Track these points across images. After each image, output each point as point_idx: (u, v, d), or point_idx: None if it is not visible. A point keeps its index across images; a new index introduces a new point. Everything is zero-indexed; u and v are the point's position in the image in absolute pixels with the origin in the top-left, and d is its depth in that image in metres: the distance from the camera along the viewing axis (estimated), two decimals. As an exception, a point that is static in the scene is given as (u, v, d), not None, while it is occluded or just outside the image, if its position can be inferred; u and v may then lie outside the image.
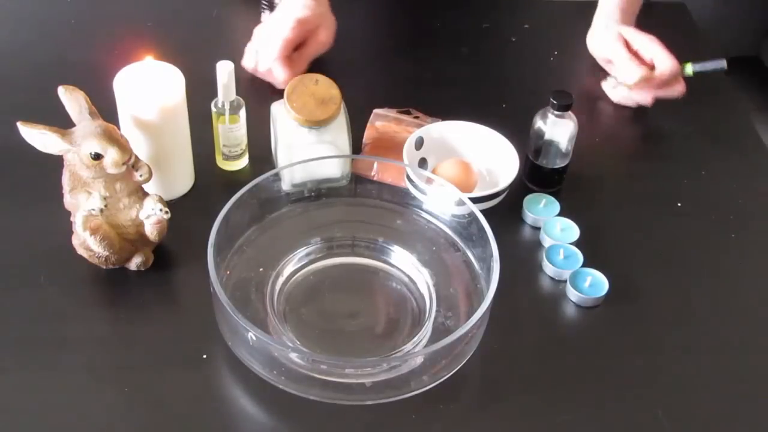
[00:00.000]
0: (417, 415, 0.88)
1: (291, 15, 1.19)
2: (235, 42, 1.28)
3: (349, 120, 1.08)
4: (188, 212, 1.04)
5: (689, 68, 1.15)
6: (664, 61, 1.16)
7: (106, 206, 0.94)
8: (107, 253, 0.95)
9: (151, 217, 0.96)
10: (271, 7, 1.27)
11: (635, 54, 1.19)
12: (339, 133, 1.06)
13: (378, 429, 0.88)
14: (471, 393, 0.92)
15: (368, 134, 1.14)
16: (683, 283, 1.03)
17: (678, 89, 1.17)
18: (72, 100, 0.94)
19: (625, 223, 1.10)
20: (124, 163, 0.92)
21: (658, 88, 1.16)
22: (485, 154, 1.11)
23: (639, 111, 1.23)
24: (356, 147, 1.11)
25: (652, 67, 1.17)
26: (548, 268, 1.02)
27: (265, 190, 1.00)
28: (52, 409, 0.88)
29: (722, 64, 1.14)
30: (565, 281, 1.00)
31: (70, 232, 0.97)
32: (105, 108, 0.97)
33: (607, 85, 1.22)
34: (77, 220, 0.94)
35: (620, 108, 1.23)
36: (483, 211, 0.97)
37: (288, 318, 0.95)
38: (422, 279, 1.00)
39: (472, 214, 0.98)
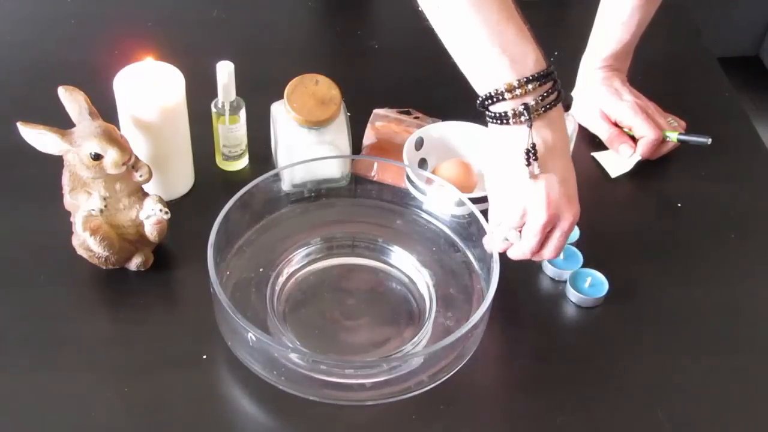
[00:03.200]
0: (417, 415, 0.88)
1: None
2: (235, 42, 1.28)
3: (349, 120, 1.08)
4: (188, 212, 1.04)
5: (673, 135, 1.14)
6: (643, 130, 1.13)
7: (106, 206, 0.94)
8: (107, 254, 0.95)
9: (151, 217, 0.96)
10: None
11: (618, 124, 1.16)
12: (339, 134, 1.06)
13: (378, 429, 0.88)
14: (471, 393, 0.92)
15: (368, 134, 1.14)
16: (683, 284, 1.03)
17: (664, 150, 1.15)
18: (72, 100, 0.94)
19: (625, 223, 1.10)
20: (124, 164, 0.92)
21: (645, 155, 1.14)
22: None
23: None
24: (356, 147, 1.11)
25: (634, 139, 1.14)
26: (548, 269, 1.01)
27: (265, 190, 1.00)
28: (53, 409, 0.88)
29: (707, 140, 1.13)
30: (565, 281, 1.00)
31: (70, 232, 0.97)
32: (105, 108, 0.97)
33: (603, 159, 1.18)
34: (77, 221, 0.94)
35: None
36: (483, 212, 0.97)
37: (288, 318, 0.95)
38: (422, 279, 1.00)
39: (472, 215, 0.98)
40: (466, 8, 0.85)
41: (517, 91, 0.85)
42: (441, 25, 0.88)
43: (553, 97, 0.87)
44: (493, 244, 0.93)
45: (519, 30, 0.86)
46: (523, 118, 0.86)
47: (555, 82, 0.87)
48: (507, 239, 0.93)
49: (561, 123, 0.89)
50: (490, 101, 0.87)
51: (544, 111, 0.87)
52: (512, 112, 0.86)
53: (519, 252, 0.93)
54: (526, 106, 0.86)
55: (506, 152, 0.88)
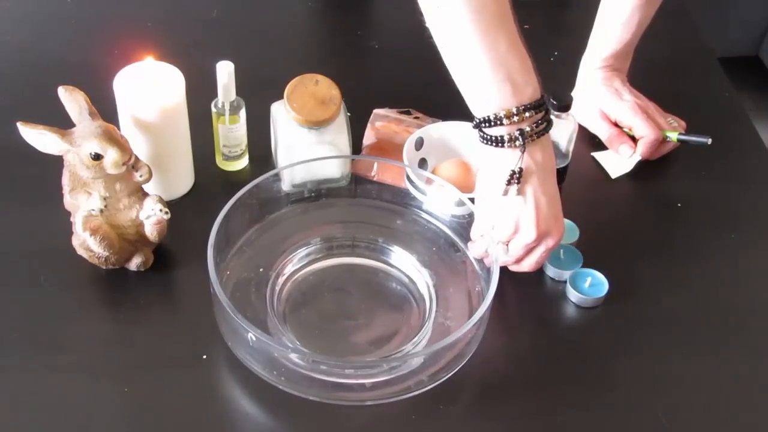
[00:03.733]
0: (417, 415, 0.88)
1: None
2: (235, 42, 1.28)
3: (349, 120, 1.08)
4: (188, 212, 1.04)
5: (673, 135, 1.14)
6: (643, 131, 1.13)
7: (106, 206, 0.94)
8: (107, 254, 0.95)
9: (151, 217, 0.96)
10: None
11: (617, 124, 1.16)
12: (339, 134, 1.06)
13: (378, 429, 0.88)
14: (471, 393, 0.92)
15: (368, 134, 1.14)
16: (683, 284, 1.03)
17: (664, 150, 1.15)
18: (72, 100, 0.94)
19: (625, 223, 1.10)
20: (124, 164, 0.92)
21: (645, 155, 1.14)
22: (485, 155, 1.11)
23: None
24: (356, 147, 1.11)
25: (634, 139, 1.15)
26: (548, 269, 1.01)
27: (265, 190, 1.00)
28: (53, 409, 0.87)
29: (707, 140, 1.13)
30: (565, 281, 1.00)
31: (70, 232, 0.97)
32: (105, 108, 0.97)
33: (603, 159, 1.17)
34: (77, 221, 0.94)
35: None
36: (483, 212, 0.97)
37: (288, 318, 0.95)
38: (422, 279, 1.00)
39: (471, 215, 0.98)
40: (473, 32, 0.87)
41: (515, 118, 0.88)
42: (445, 44, 0.90)
43: (544, 125, 0.90)
44: (478, 251, 0.97)
45: (523, 59, 0.89)
46: (517, 143, 0.89)
47: (547, 111, 0.91)
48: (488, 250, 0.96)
49: (549, 147, 0.93)
50: (486, 124, 0.90)
51: (537, 137, 0.90)
52: (508, 136, 0.89)
53: (500, 260, 0.96)
54: (522, 132, 0.89)
55: (497, 171, 0.91)
